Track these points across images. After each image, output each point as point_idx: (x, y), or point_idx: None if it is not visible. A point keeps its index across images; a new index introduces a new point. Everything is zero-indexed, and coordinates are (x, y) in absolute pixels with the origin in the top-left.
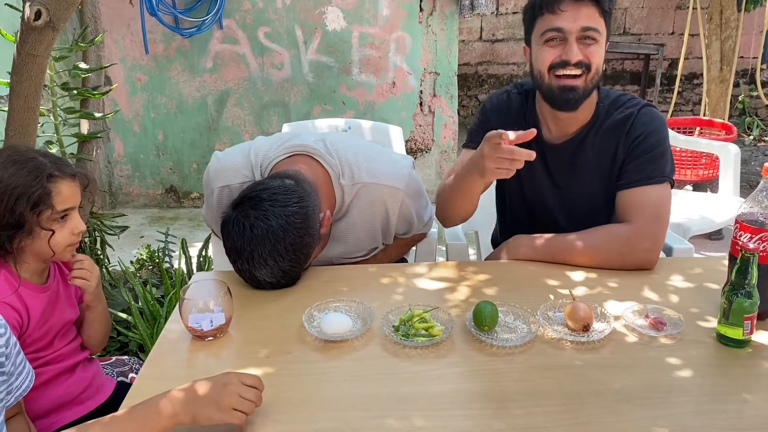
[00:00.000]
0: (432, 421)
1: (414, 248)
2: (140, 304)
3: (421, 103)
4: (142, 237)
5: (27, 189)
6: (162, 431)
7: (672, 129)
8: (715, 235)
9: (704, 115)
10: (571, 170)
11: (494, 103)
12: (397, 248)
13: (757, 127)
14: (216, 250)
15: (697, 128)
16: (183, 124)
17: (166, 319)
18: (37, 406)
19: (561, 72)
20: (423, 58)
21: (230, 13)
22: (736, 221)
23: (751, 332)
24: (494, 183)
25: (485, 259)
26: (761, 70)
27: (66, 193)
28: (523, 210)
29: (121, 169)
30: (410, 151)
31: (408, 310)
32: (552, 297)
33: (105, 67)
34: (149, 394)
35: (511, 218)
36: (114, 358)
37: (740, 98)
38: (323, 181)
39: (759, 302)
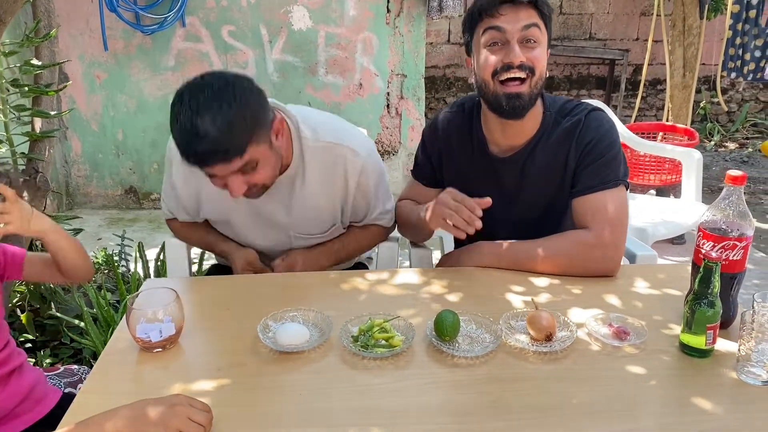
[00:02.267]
0: None
1: (376, 252)
2: (94, 309)
3: (388, 105)
4: (100, 239)
5: None
6: None
7: (636, 134)
8: (677, 240)
9: (667, 120)
10: (521, 182)
11: (430, 132)
12: (356, 240)
13: (718, 132)
14: (170, 255)
15: (660, 133)
16: (143, 123)
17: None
18: None
19: (505, 76)
20: (390, 60)
21: (193, 10)
22: (699, 229)
23: (714, 342)
24: None
25: (441, 258)
26: (722, 77)
27: None
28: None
29: (78, 168)
30: None
31: (368, 319)
32: (516, 307)
33: (58, 63)
34: (93, 409)
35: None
36: (63, 368)
37: (702, 104)
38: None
39: (722, 311)
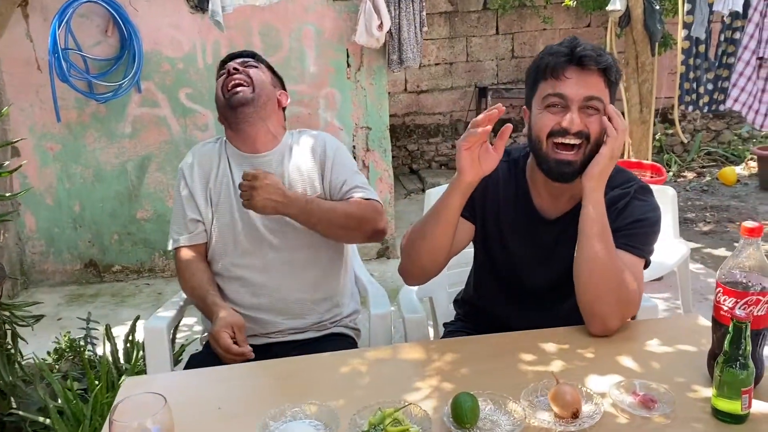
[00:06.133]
0: None
1: (368, 328)
2: (60, 402)
3: (354, 158)
4: (60, 319)
5: None
6: None
7: None
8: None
9: (628, 155)
10: (559, 243)
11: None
12: (334, 205)
13: (675, 163)
14: (149, 345)
15: None
16: (101, 194)
17: (91, 419)
18: None
19: (560, 140)
20: (353, 114)
21: (148, 75)
22: (718, 284)
23: (749, 406)
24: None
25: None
26: (679, 109)
27: None
28: (503, 275)
29: (33, 245)
30: None
31: (377, 410)
32: (530, 378)
33: (12, 142)
34: None
35: (489, 282)
36: None
37: (657, 137)
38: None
39: (755, 372)
